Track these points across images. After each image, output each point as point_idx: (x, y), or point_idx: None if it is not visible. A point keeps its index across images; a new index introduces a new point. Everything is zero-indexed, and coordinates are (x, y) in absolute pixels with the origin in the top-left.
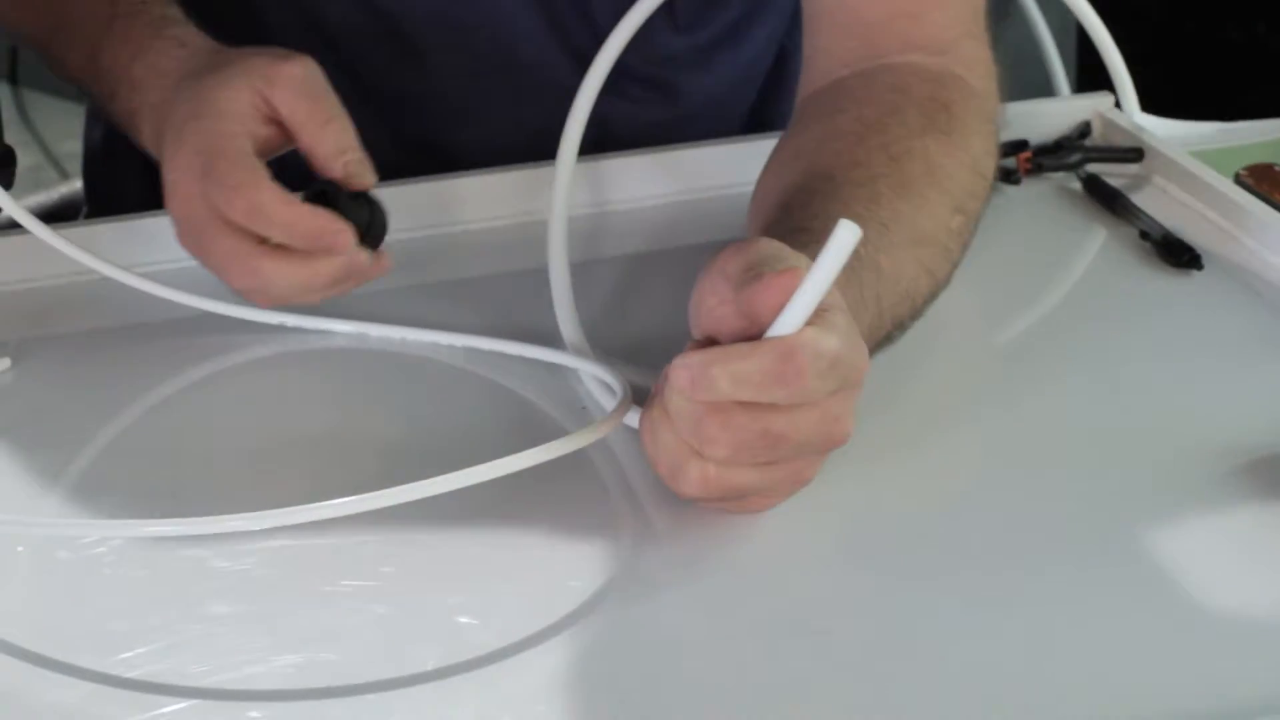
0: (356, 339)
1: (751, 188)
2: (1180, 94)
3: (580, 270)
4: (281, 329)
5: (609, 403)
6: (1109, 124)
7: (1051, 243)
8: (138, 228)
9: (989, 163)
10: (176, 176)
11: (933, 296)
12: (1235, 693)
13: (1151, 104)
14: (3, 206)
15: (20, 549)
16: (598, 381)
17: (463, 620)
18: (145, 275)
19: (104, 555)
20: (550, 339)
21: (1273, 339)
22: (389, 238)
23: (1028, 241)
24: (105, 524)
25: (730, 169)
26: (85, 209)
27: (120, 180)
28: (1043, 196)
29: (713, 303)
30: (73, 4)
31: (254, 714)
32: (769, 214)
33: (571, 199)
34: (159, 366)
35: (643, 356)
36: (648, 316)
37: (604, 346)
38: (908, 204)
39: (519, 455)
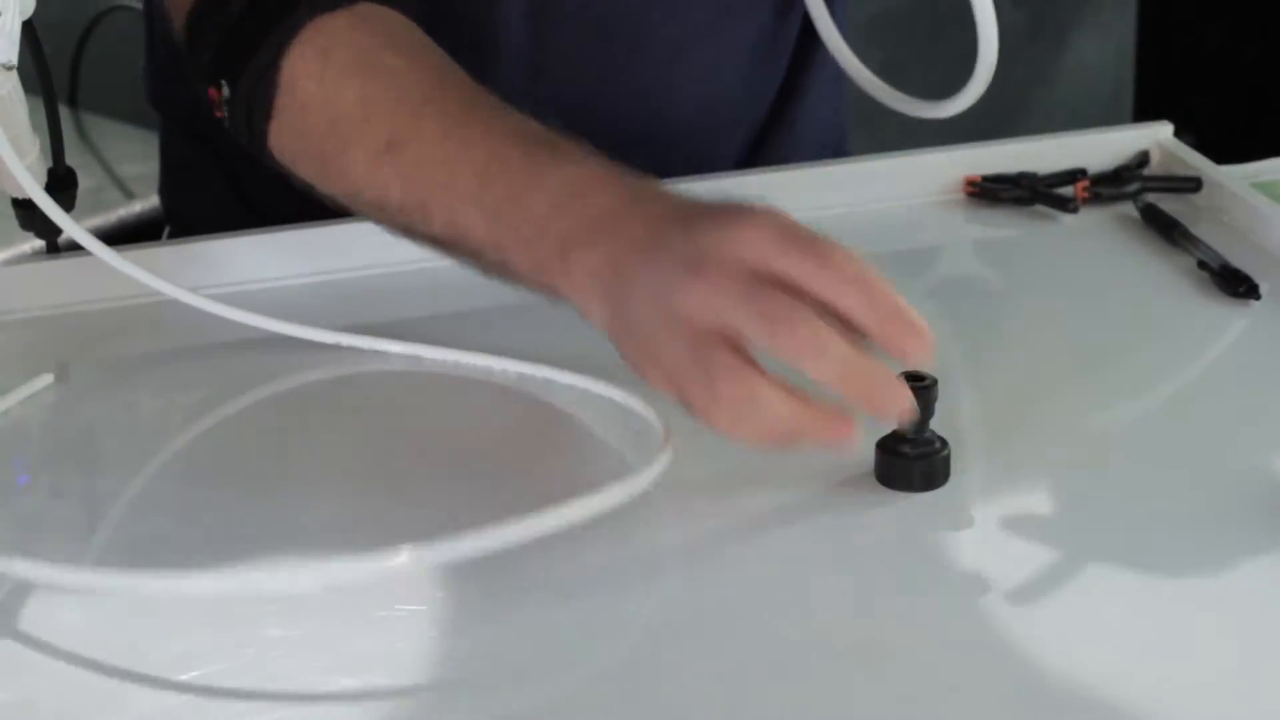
0: (411, 361)
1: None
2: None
3: None
4: (336, 350)
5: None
6: (1168, 153)
7: (1109, 271)
8: (194, 249)
9: None
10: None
11: None
12: None
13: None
14: (63, 227)
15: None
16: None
17: (517, 648)
18: (202, 296)
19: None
20: (601, 367)
21: None
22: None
23: (1085, 270)
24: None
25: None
26: (167, 230)
27: (197, 201)
28: (1100, 225)
29: None
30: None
31: None
32: None
33: None
34: (213, 388)
35: None
36: None
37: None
38: None
39: (585, 500)
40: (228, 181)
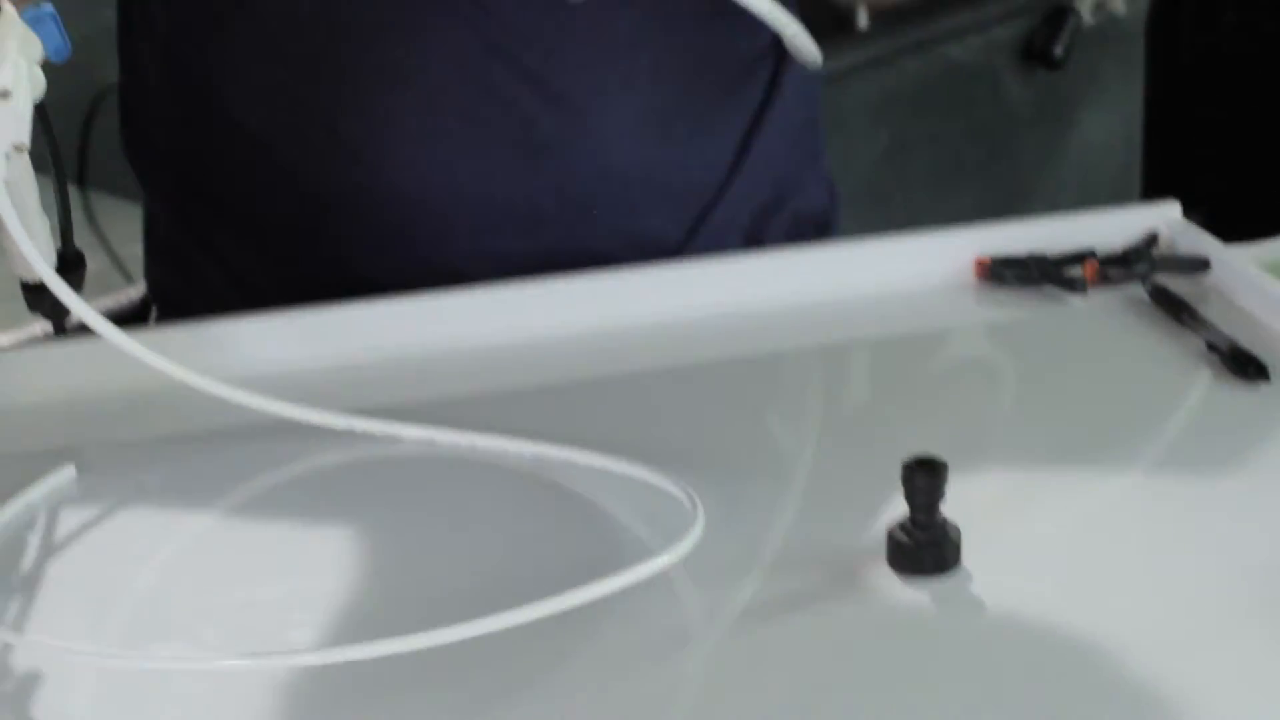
0: (425, 446)
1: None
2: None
3: (641, 381)
4: (350, 435)
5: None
6: (1176, 233)
7: (1118, 354)
8: (203, 332)
9: None
10: None
11: None
12: None
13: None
14: (73, 310)
15: (85, 667)
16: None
17: None
18: (212, 380)
19: (171, 674)
20: (622, 447)
21: None
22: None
23: (1094, 353)
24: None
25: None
26: (155, 310)
27: (179, 275)
28: (1109, 307)
29: None
30: None
31: None
32: None
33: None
34: (223, 476)
35: (709, 466)
36: (712, 428)
37: (672, 458)
38: None
39: (601, 583)
40: (209, 257)
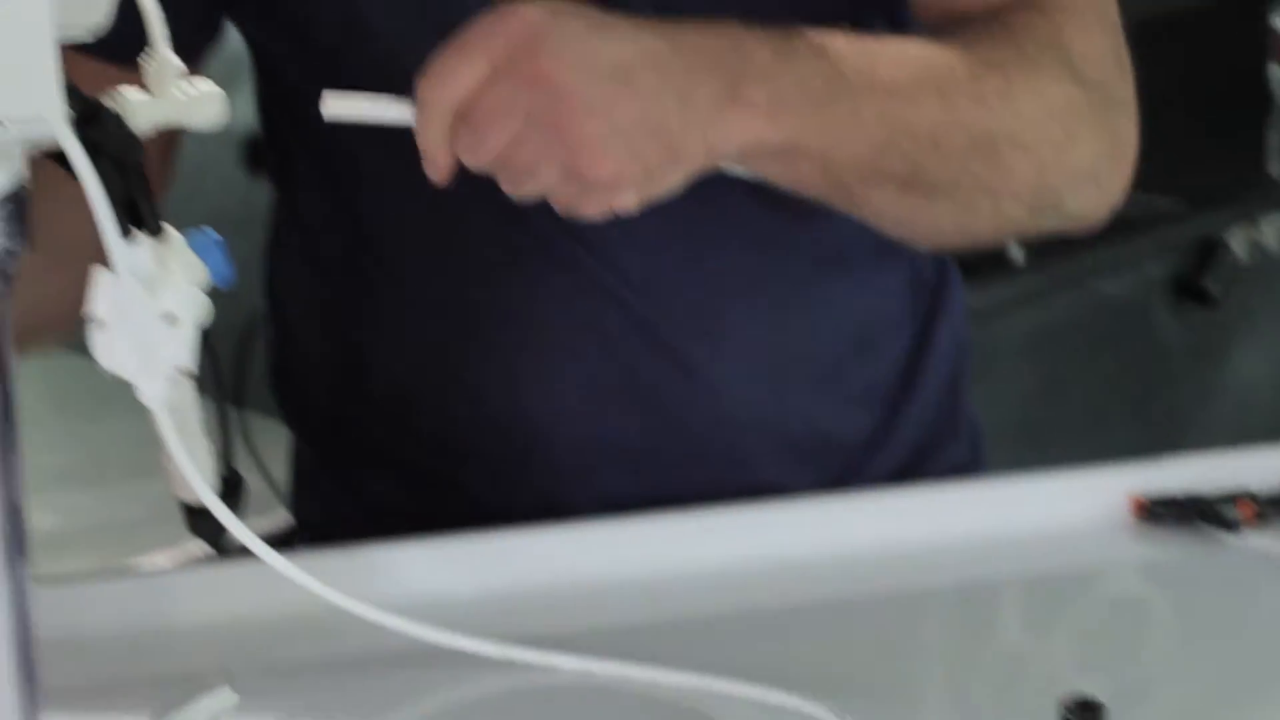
0: (583, 676)
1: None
2: None
3: (791, 616)
4: (509, 665)
5: None
6: None
7: (1277, 597)
8: (356, 557)
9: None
10: None
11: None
12: None
13: None
14: (236, 535)
15: None
16: None
17: None
18: (369, 606)
19: None
20: (772, 680)
21: None
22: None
23: (1253, 596)
24: None
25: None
26: (300, 534)
27: (324, 507)
28: (1267, 548)
29: None
30: None
31: None
32: None
33: None
34: (378, 702)
35: (860, 703)
36: (862, 665)
37: (823, 694)
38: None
39: None
40: (346, 490)
